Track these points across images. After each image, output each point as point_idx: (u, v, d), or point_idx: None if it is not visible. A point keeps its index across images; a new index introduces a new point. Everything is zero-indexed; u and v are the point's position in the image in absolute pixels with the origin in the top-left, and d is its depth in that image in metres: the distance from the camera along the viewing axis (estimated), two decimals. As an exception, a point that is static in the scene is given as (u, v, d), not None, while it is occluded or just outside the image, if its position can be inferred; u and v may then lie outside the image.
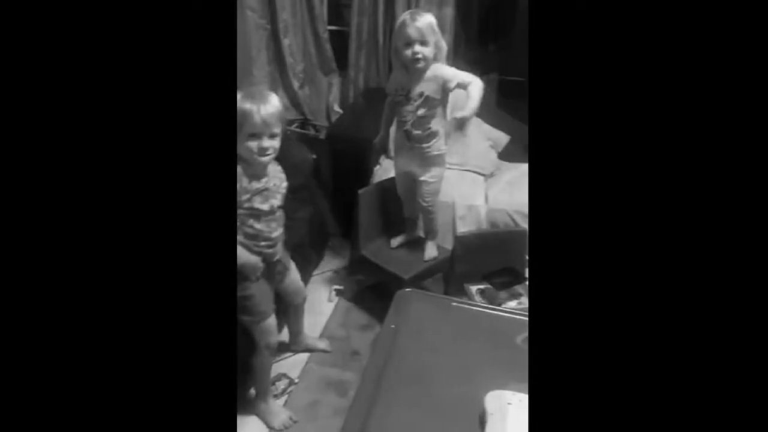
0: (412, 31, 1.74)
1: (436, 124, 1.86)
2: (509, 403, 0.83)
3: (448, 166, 1.99)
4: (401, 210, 2.13)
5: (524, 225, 2.17)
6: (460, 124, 1.66)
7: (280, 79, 3.02)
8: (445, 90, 1.79)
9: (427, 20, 1.75)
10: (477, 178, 2.49)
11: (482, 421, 0.85)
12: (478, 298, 1.82)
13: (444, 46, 1.82)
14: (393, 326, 1.08)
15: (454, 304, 1.19)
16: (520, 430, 0.78)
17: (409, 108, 1.85)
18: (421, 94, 1.82)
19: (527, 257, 1.51)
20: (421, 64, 1.77)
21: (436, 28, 1.78)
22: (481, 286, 1.87)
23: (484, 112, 2.46)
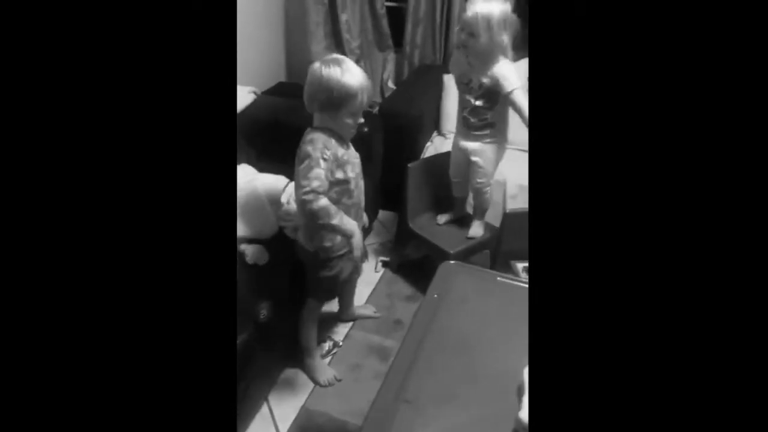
0: (468, 16, 1.70)
1: (493, 116, 1.85)
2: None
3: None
4: (450, 186, 2.13)
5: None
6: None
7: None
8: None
9: (485, 10, 1.67)
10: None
11: (520, 393, 0.89)
12: (524, 275, 1.83)
13: (504, 41, 1.72)
14: (436, 295, 1.11)
15: (499, 279, 1.22)
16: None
17: (469, 97, 1.85)
18: (481, 86, 1.79)
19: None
20: (465, 53, 1.75)
21: (494, 22, 1.67)
22: (528, 264, 1.87)
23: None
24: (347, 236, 1.49)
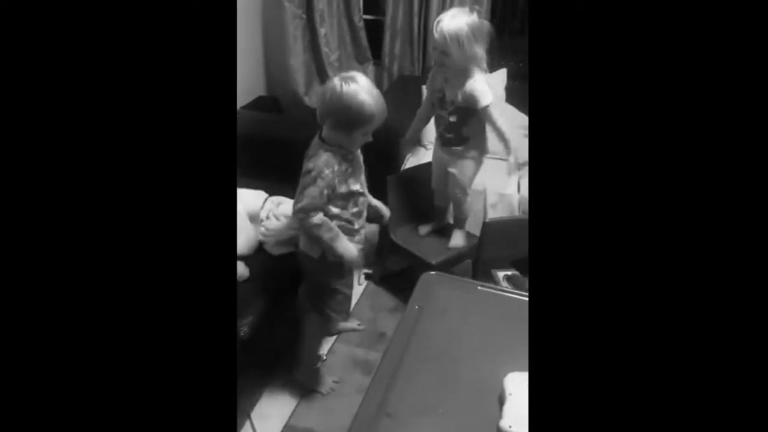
0: (437, 37, 1.69)
1: (468, 131, 1.84)
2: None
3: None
4: (430, 197, 2.13)
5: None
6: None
7: (315, 68, 3.00)
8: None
9: (452, 28, 1.65)
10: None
11: (501, 401, 0.90)
12: (505, 283, 1.83)
13: (478, 54, 1.70)
14: (417, 307, 1.11)
15: (480, 288, 1.21)
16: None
17: (443, 112, 1.85)
18: (452, 102, 1.80)
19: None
20: (443, 70, 1.76)
21: (464, 37, 1.65)
22: (509, 272, 1.87)
23: (517, 100, 2.40)
24: (338, 257, 1.49)
